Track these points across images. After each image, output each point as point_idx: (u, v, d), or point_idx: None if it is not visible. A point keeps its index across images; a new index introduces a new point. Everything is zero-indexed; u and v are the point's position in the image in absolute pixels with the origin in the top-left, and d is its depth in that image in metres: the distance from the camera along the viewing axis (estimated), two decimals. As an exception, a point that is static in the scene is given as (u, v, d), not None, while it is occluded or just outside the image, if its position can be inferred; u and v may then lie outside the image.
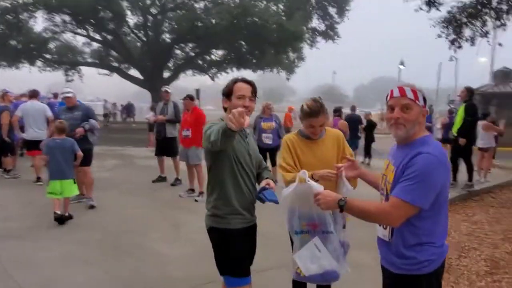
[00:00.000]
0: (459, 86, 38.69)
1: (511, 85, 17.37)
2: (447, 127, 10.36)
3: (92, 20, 24.78)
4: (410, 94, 1.77)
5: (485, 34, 8.85)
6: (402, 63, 26.24)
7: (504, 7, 8.06)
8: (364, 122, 11.59)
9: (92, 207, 5.82)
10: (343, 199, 1.83)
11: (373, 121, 11.95)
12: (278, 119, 7.64)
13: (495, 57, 27.14)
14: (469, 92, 7.32)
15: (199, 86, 35.69)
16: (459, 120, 7.27)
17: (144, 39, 28.60)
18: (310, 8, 26.71)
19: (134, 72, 31.35)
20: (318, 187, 1.99)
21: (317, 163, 2.49)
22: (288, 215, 2.25)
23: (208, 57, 31.37)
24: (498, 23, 8.56)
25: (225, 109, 2.38)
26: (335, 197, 1.86)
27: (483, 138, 8.33)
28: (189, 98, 6.84)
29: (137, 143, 14.59)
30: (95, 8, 23.06)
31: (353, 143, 9.72)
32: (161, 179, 7.81)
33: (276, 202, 2.21)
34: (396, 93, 1.80)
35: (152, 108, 13.97)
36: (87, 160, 5.78)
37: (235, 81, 2.35)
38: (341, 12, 27.04)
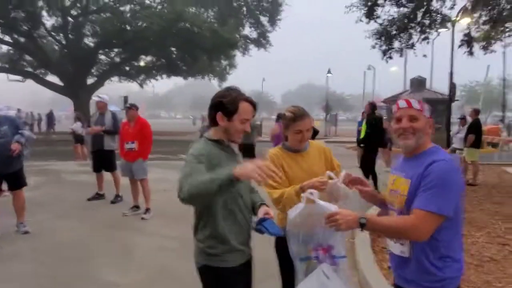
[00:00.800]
0: (377, 92, 42.35)
1: (425, 92, 19.23)
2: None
3: (1, 20, 22.17)
4: (416, 105, 1.79)
5: (411, 46, 9.67)
6: (329, 71, 27.70)
7: (427, 21, 8.88)
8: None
9: (26, 233, 5.07)
10: (364, 217, 1.70)
11: (316, 128, 12.27)
12: None
13: (407, 66, 30.15)
14: (372, 106, 8.12)
15: (126, 93, 34.03)
16: (363, 132, 8.05)
17: (64, 42, 26.37)
18: (242, 16, 26.99)
19: (52, 78, 28.72)
20: (331, 206, 1.83)
21: (305, 177, 2.33)
22: (291, 240, 2.05)
23: (136, 63, 29.99)
24: (422, 36, 9.42)
25: (215, 123, 2.00)
26: (355, 216, 1.71)
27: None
28: (135, 108, 6.27)
29: (61, 156, 13.28)
30: (5, 7, 20.69)
31: None
32: (99, 196, 7.08)
33: (279, 234, 2.00)
34: (403, 104, 1.80)
35: (78, 118, 12.87)
36: (21, 182, 5.07)
37: (241, 98, 1.96)
38: (273, 21, 27.73)
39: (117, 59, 29.57)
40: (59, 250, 4.60)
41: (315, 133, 11.67)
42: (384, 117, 12.53)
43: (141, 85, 33.86)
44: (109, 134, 6.83)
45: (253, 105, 2.00)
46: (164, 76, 31.84)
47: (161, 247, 4.73)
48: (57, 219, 5.86)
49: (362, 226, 1.69)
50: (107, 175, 7.08)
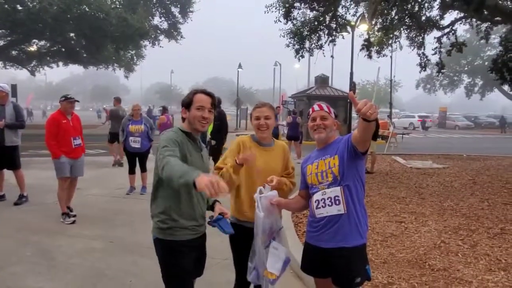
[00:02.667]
0: (283, 87, 44.56)
1: (328, 89, 20.94)
2: (291, 126, 11.76)
3: None
4: (325, 109, 2.41)
5: (320, 47, 10.48)
6: (240, 66, 28.21)
7: (334, 25, 9.74)
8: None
9: None
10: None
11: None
12: (149, 122, 7.19)
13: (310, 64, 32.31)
14: (218, 101, 8.64)
15: (11, 81, 29.98)
16: (210, 125, 8.56)
17: None
18: (151, 5, 25.78)
19: None
20: (273, 194, 2.35)
21: (267, 170, 2.56)
22: (259, 234, 2.34)
23: (27, 48, 26.55)
24: (329, 38, 10.29)
25: (183, 119, 2.39)
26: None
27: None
28: (71, 101, 5.53)
29: None
30: None
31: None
32: (-2, 198, 6.30)
33: (232, 233, 2.33)
34: (317, 108, 2.43)
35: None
36: None
37: (195, 92, 2.36)
38: (184, 12, 27.03)
39: (2, 42, 25.83)
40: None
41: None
42: (291, 110, 13.33)
43: (32, 73, 30.21)
44: (12, 128, 6.10)
45: (207, 94, 2.34)
46: (61, 63, 28.91)
47: (86, 248, 4.46)
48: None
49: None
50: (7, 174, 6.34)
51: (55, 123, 5.40)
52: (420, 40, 11.89)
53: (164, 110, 11.03)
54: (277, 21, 9.79)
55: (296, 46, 10.28)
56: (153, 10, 26.24)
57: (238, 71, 28.27)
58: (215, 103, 2.39)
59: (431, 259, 4.01)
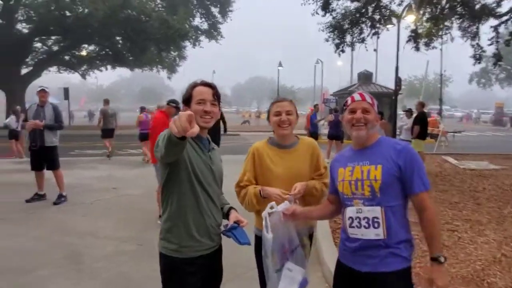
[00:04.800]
0: (325, 84, 43.66)
1: (372, 86, 20.05)
2: (333, 124, 11.28)
3: None
4: (368, 99, 1.96)
5: (362, 41, 9.90)
6: (280, 64, 27.89)
7: (377, 16, 9.14)
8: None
9: None
10: (437, 255, 1.81)
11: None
12: None
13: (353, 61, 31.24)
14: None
15: (65, 85, 31.80)
16: None
17: (-7, 27, 23.91)
18: (192, 6, 26.15)
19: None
20: (285, 204, 2.01)
21: (291, 176, 2.24)
22: (268, 257, 2.03)
23: (77, 53, 27.99)
24: (372, 31, 9.68)
25: None
26: (438, 268, 1.81)
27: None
28: (176, 106, 5.68)
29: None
30: None
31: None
32: (39, 197, 6.47)
33: (248, 244, 2.02)
34: (358, 97, 1.96)
35: (14, 112, 11.76)
36: None
37: (194, 85, 2.08)
38: (224, 12, 27.16)
39: (56, 48, 27.42)
40: (-5, 260, 4.10)
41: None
42: (332, 108, 12.87)
43: (83, 76, 31.83)
44: (51, 129, 6.24)
45: (207, 85, 2.06)
46: (109, 67, 30.18)
47: (116, 252, 4.38)
48: (-9, 225, 5.25)
49: (444, 258, 1.82)
50: (46, 174, 6.51)
51: (164, 125, 5.50)
52: (474, 30, 10.92)
53: (142, 109, 12.45)
54: (315, 13, 9.31)
55: (336, 41, 9.76)
56: (194, 11, 26.57)
57: (278, 69, 27.98)
58: (218, 94, 2.07)
59: (490, 276, 3.49)
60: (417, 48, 10.36)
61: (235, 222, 2.05)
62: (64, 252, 4.36)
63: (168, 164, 1.93)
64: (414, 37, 10.12)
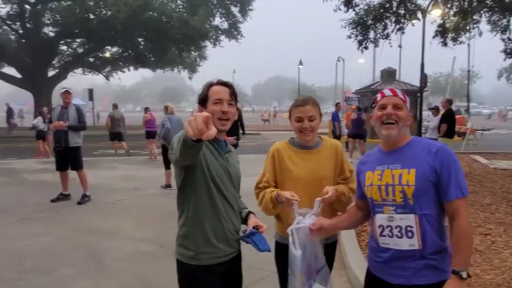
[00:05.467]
0: (347, 83, 43.02)
1: (395, 83, 19.52)
2: (355, 122, 11.03)
3: None
4: (400, 95, 1.80)
5: (386, 37, 9.62)
6: (300, 63, 27.62)
7: (402, 11, 8.84)
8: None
9: None
10: (461, 269, 1.59)
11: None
12: None
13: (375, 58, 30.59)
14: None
15: (90, 86, 32.59)
16: None
17: (21, 31, 24.71)
18: (212, 6, 26.25)
19: (8, 70, 26.93)
20: (309, 219, 1.87)
21: (312, 178, 2.11)
22: (295, 278, 1.90)
23: (101, 54, 28.61)
24: (397, 26, 9.38)
25: None
26: (458, 282, 1.59)
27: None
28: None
29: (22, 153, 12.43)
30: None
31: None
32: (64, 197, 6.58)
33: (268, 251, 1.90)
34: (388, 93, 1.81)
35: (41, 113, 12.10)
36: None
37: (209, 85, 1.97)
38: (244, 11, 27.13)
39: (80, 50, 28.12)
40: (20, 260, 4.14)
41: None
42: (356, 106, 12.58)
43: (107, 78, 32.50)
44: (75, 130, 6.33)
45: (223, 84, 1.96)
46: (132, 68, 30.69)
47: (137, 252, 4.37)
48: (17, 224, 5.35)
49: (467, 274, 1.61)
50: (71, 174, 6.60)
51: None
52: (505, 23, 10.41)
53: (146, 109, 12.97)
54: (337, 9, 9.09)
55: (359, 37, 9.49)
56: (214, 10, 26.65)
57: (299, 68, 27.73)
58: (235, 93, 1.96)
59: (528, 284, 3.26)
60: (445, 44, 9.96)
61: (254, 228, 1.94)
62: (85, 252, 4.38)
63: (183, 168, 1.83)
64: (441, 32, 9.73)
